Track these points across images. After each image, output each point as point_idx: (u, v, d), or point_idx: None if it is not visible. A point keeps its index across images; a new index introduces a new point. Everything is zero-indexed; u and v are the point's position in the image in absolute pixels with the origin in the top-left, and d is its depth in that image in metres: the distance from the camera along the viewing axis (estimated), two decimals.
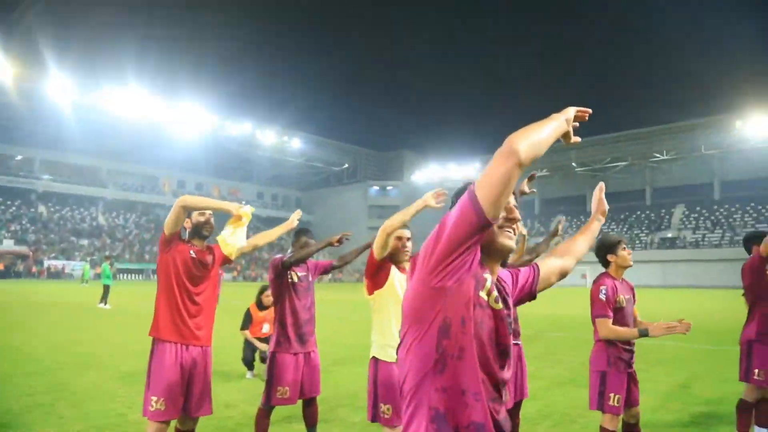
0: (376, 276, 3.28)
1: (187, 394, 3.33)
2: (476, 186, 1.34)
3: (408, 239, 3.36)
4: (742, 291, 4.52)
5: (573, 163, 60.46)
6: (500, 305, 1.48)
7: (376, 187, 74.72)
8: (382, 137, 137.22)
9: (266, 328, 7.07)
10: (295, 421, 4.87)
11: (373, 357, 3.29)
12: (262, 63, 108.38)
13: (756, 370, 4.16)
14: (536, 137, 1.36)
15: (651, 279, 43.96)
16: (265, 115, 73.60)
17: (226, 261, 3.66)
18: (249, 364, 7.12)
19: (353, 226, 51.78)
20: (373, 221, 65.14)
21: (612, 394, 3.57)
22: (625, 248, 3.77)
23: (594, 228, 2.06)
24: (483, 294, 1.43)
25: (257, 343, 6.99)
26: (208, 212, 3.52)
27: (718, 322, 14.35)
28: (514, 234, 1.57)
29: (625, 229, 55.95)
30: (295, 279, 4.09)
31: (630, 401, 3.68)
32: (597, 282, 3.72)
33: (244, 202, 3.77)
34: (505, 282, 1.65)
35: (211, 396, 3.47)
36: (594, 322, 3.65)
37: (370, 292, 3.33)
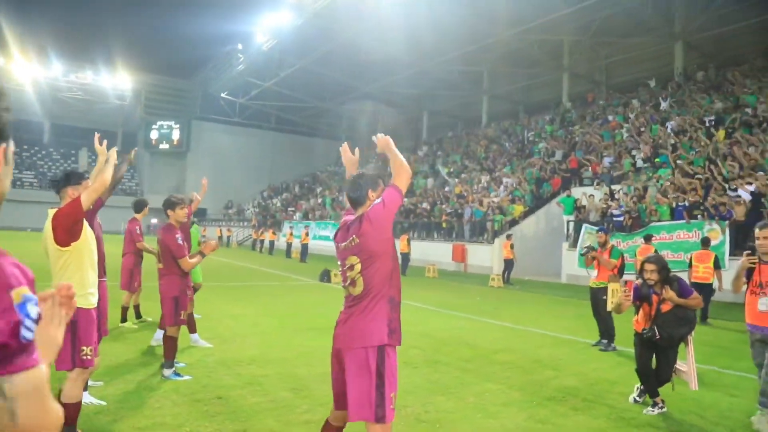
0: (74, 228, 3.27)
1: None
2: (398, 185, 2.60)
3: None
4: None
5: None
6: None
7: None
8: None
9: None
10: None
11: None
12: None
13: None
14: (406, 173, 2.65)
15: None
16: None
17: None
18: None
19: None
20: None
21: (182, 311, 5.12)
22: (183, 208, 5.10)
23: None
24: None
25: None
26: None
27: None
28: None
29: None
30: None
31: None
32: (168, 231, 4.99)
33: None
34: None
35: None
36: (176, 261, 4.98)
37: (66, 245, 3.26)
